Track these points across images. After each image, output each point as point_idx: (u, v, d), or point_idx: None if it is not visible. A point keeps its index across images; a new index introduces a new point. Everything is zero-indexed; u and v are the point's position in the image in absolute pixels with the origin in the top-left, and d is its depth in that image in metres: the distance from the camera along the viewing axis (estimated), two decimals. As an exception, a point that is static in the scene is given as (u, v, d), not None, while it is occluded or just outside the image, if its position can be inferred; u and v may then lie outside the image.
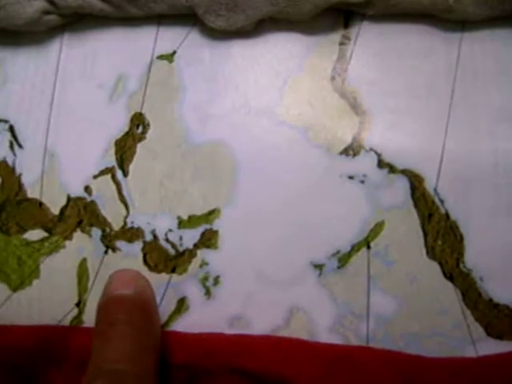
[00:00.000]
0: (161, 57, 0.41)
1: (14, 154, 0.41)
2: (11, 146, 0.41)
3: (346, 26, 0.40)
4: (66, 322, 0.39)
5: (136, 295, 0.36)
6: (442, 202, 0.37)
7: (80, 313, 0.39)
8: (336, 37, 0.40)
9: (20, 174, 0.41)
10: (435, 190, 0.37)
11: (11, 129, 0.41)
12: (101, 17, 0.41)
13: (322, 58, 0.40)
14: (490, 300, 0.37)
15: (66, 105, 0.41)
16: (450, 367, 0.36)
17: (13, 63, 0.42)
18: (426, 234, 0.37)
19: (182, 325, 0.38)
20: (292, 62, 0.40)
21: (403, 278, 0.37)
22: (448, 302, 0.37)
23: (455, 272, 0.37)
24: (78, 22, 0.42)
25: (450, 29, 0.39)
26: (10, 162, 0.41)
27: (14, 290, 0.40)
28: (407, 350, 0.37)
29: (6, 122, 0.41)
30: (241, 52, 0.40)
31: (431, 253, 0.37)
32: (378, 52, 0.39)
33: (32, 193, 0.40)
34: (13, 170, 0.41)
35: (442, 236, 0.37)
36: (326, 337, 0.37)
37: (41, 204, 0.40)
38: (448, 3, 0.38)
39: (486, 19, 0.38)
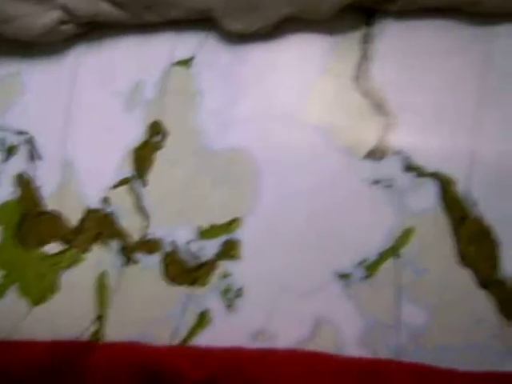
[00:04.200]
0: (178, 63, 0.40)
1: (34, 166, 0.40)
2: (31, 158, 0.40)
3: (368, 24, 0.38)
4: (86, 336, 0.38)
5: None
6: (474, 205, 0.35)
7: (100, 327, 0.38)
8: (358, 35, 0.38)
9: (39, 187, 0.40)
10: (467, 192, 0.35)
11: (30, 140, 0.41)
12: (117, 24, 0.40)
13: (344, 57, 0.38)
14: (529, 309, 0.34)
15: (82, 114, 0.40)
16: (488, 382, 0.34)
17: (30, 74, 0.42)
18: (457, 240, 0.35)
19: (203, 339, 0.37)
20: (313, 62, 0.38)
21: (434, 287, 0.35)
22: (483, 313, 0.35)
23: (490, 280, 0.35)
24: (94, 30, 0.41)
25: (476, 24, 0.37)
26: (29, 174, 0.40)
27: (35, 304, 0.39)
28: (440, 363, 0.35)
29: (25, 133, 0.41)
30: (259, 55, 0.39)
31: (464, 260, 0.35)
32: (401, 50, 0.37)
33: (51, 205, 0.40)
34: (32, 182, 0.40)
35: (475, 241, 0.35)
36: (353, 350, 0.36)
37: (60, 216, 0.39)
38: (476, -4, 0.36)
39: (516, 12, 0.36)
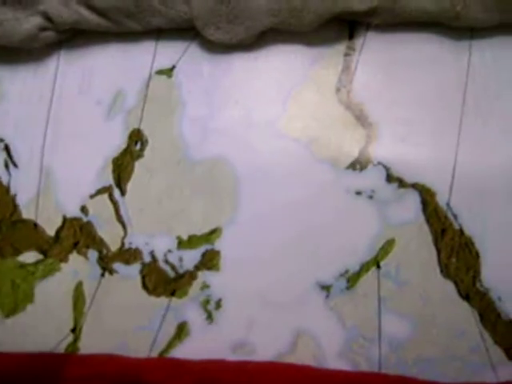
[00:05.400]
0: (160, 72, 0.39)
1: (9, 174, 0.39)
2: (6, 166, 0.40)
3: (351, 36, 0.38)
4: (61, 348, 0.37)
5: None
6: (455, 216, 0.35)
7: (76, 339, 0.37)
8: (341, 48, 0.38)
9: (15, 195, 0.39)
10: (448, 204, 0.35)
11: (6, 148, 0.40)
12: (98, 32, 0.40)
13: (326, 69, 0.38)
14: (510, 321, 0.34)
15: (62, 122, 0.40)
16: (469, 394, 0.34)
17: (9, 81, 0.41)
18: (439, 252, 0.35)
19: (182, 351, 0.36)
20: (295, 74, 0.38)
21: (416, 299, 0.35)
22: (465, 324, 0.35)
23: (472, 291, 0.35)
24: (74, 38, 0.40)
25: (458, 36, 0.37)
26: (4, 181, 0.39)
27: (7, 315, 0.38)
28: (422, 375, 0.35)
29: (1, 140, 0.40)
30: (242, 65, 0.39)
31: (445, 271, 0.35)
32: (384, 62, 0.38)
33: (27, 213, 0.39)
34: (7, 189, 0.39)
35: (456, 253, 0.35)
36: (334, 362, 0.35)
37: (36, 225, 0.39)
38: (455, 10, 0.36)
39: (495, 25, 0.37)
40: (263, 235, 0.36)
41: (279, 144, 0.37)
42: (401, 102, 0.37)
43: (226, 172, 0.37)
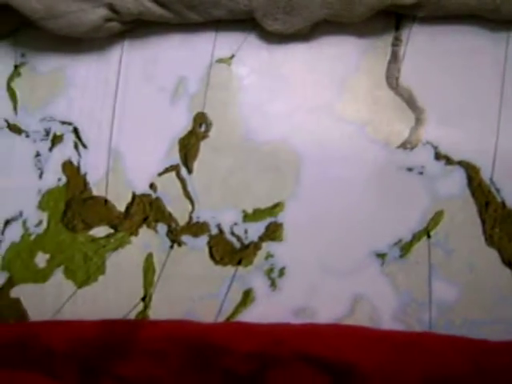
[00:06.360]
0: (220, 60, 0.42)
1: (79, 155, 0.42)
2: (76, 147, 0.42)
3: (397, 28, 0.42)
4: (132, 316, 0.40)
5: None
6: (498, 191, 0.39)
7: (146, 307, 0.40)
8: (388, 39, 0.42)
9: (85, 173, 0.42)
10: (491, 179, 0.39)
11: (75, 130, 0.42)
12: (160, 23, 0.43)
13: (375, 58, 0.41)
14: (549, 286, 0.38)
15: (128, 107, 0.42)
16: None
17: (74, 68, 0.43)
18: (483, 222, 0.39)
19: (247, 316, 0.39)
20: (347, 62, 0.41)
21: (463, 266, 0.38)
22: (508, 289, 0.38)
23: (514, 259, 0.38)
24: (137, 28, 0.43)
25: (496, 29, 0.41)
26: (74, 161, 0.42)
27: (80, 286, 0.41)
28: (468, 336, 0.38)
29: (69, 124, 0.43)
30: (297, 54, 0.42)
31: (489, 240, 0.38)
32: (428, 52, 0.41)
33: (97, 191, 0.41)
34: (78, 169, 0.42)
35: (499, 224, 0.38)
36: (389, 324, 0.38)
37: (106, 201, 0.41)
38: (495, 3, 0.40)
39: (532, 19, 0.41)
40: (323, 209, 0.39)
41: (336, 126, 0.40)
42: (445, 88, 0.40)
43: (287, 152, 0.40)
